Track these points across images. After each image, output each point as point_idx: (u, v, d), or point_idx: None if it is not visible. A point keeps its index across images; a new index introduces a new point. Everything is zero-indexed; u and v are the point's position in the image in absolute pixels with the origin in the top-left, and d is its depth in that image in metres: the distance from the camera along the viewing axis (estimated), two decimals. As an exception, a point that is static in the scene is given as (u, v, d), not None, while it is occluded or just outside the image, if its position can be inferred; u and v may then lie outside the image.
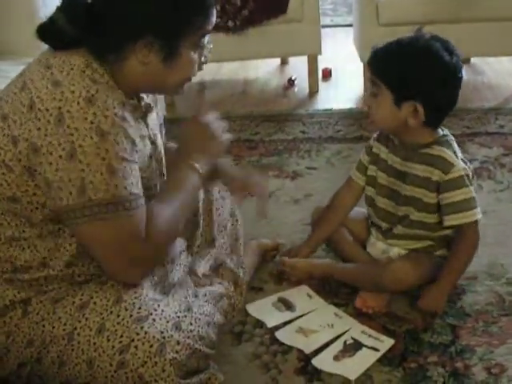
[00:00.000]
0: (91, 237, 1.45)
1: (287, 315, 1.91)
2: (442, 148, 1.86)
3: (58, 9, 1.49)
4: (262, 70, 4.27)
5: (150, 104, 1.64)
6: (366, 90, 1.88)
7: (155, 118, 1.72)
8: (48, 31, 1.49)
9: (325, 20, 4.91)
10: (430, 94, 1.80)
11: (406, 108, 1.81)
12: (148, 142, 1.61)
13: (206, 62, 1.61)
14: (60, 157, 1.37)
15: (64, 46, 1.48)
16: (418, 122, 1.83)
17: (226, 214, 2.02)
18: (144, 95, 1.63)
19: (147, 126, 1.63)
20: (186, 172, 1.65)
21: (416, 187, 1.89)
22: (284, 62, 4.37)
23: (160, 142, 1.73)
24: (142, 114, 1.60)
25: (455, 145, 1.91)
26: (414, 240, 1.96)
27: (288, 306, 1.95)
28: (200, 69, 1.60)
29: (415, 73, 1.78)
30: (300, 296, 1.99)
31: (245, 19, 3.50)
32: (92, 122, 1.37)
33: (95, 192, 1.39)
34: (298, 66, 4.10)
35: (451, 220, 1.86)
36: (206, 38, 1.57)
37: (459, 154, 1.89)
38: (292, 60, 4.34)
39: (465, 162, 1.89)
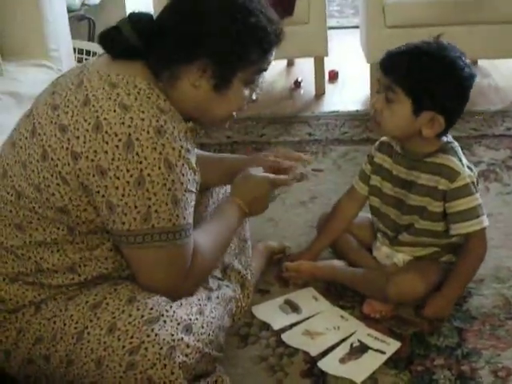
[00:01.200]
0: (143, 261, 1.49)
1: (293, 317, 1.91)
2: (447, 156, 1.84)
3: (125, 19, 1.51)
4: (269, 71, 4.21)
5: (198, 127, 1.66)
6: (373, 91, 1.83)
7: None
8: (111, 38, 1.51)
9: (331, 22, 4.90)
10: (452, 106, 1.79)
11: (423, 117, 1.78)
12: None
13: (255, 101, 1.63)
14: (127, 182, 1.40)
15: (122, 55, 1.50)
16: (433, 132, 1.80)
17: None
18: None
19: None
20: (232, 209, 1.75)
21: (421, 196, 1.88)
22: (290, 64, 4.36)
23: None
24: (195, 136, 1.61)
25: (460, 151, 1.89)
26: (419, 247, 1.95)
27: (294, 308, 1.95)
28: (243, 109, 1.62)
29: (441, 85, 1.75)
30: (306, 298, 1.99)
31: (251, 21, 3.49)
32: (161, 153, 1.40)
33: (158, 221, 1.43)
34: (305, 68, 4.10)
35: (458, 229, 1.84)
36: (261, 76, 1.59)
37: (464, 161, 1.87)
38: (298, 62, 4.34)
39: (470, 169, 1.87)
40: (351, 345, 1.78)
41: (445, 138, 1.88)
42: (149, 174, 1.40)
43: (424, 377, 1.67)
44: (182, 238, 1.48)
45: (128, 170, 1.39)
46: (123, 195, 1.41)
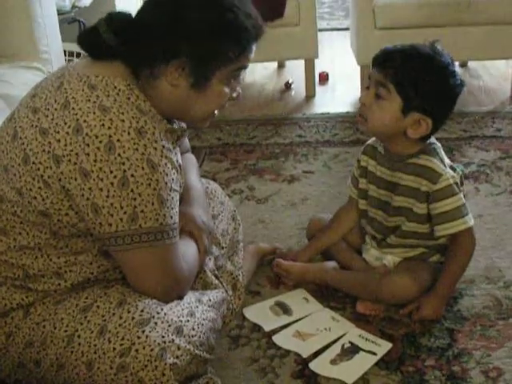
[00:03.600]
0: (134, 263, 1.48)
1: (284, 319, 1.91)
2: (428, 157, 1.84)
3: (103, 19, 1.51)
4: (259, 73, 4.27)
5: (184, 128, 1.66)
6: (363, 87, 1.82)
7: None
8: (89, 40, 1.51)
9: (322, 24, 4.92)
10: (440, 110, 1.80)
11: (411, 118, 1.79)
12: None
13: (237, 98, 1.61)
14: (111, 184, 1.39)
15: (102, 55, 1.50)
16: (418, 134, 1.81)
17: (227, 218, 2.01)
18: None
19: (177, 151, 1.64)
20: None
21: (406, 197, 1.88)
22: (281, 66, 4.37)
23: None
24: (177, 138, 1.60)
25: (442, 152, 1.89)
26: (407, 248, 1.96)
27: (285, 309, 1.95)
28: (224, 106, 1.60)
29: (433, 88, 1.77)
30: (297, 300, 1.99)
31: (242, 23, 3.49)
32: (143, 154, 1.40)
33: (146, 220, 1.43)
34: (295, 70, 4.11)
35: (442, 230, 1.85)
36: (242, 73, 1.57)
37: (447, 161, 1.87)
38: (289, 64, 4.34)
39: (453, 169, 1.87)
40: (342, 346, 1.79)
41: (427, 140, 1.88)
42: (132, 175, 1.39)
43: (415, 377, 1.67)
44: (171, 238, 1.47)
45: (111, 172, 1.39)
46: (108, 196, 1.40)
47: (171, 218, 1.47)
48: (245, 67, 1.56)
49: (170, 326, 1.45)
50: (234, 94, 1.59)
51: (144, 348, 1.40)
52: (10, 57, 2.70)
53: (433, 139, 1.89)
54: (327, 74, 4.07)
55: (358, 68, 3.63)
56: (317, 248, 2.13)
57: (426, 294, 1.87)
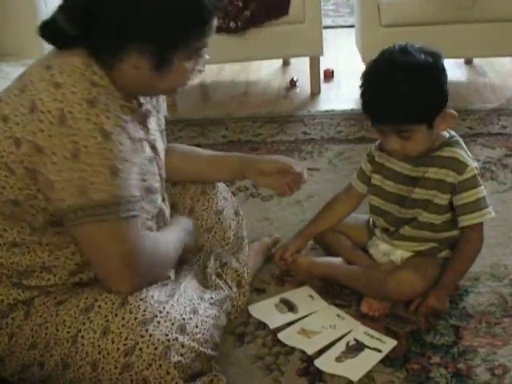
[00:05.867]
0: (91, 238, 1.44)
1: (289, 316, 1.91)
2: (453, 149, 1.85)
3: (59, 8, 1.49)
4: (264, 71, 4.27)
5: (149, 110, 1.65)
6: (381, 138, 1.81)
7: (155, 124, 1.73)
8: (49, 29, 1.49)
9: (326, 21, 4.92)
10: (446, 95, 1.80)
11: (437, 122, 1.79)
12: (147, 146, 1.62)
13: (200, 72, 1.59)
14: (64, 157, 1.37)
15: (65, 45, 1.48)
16: (448, 125, 1.83)
17: (230, 214, 2.01)
18: (143, 100, 1.63)
19: (148, 130, 1.64)
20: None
21: (428, 190, 1.88)
22: (286, 63, 4.37)
23: (161, 146, 1.74)
24: (141, 118, 1.60)
25: (464, 145, 1.90)
26: (418, 242, 1.95)
27: (290, 307, 1.95)
28: (193, 78, 1.59)
29: (434, 92, 1.76)
30: (302, 297, 1.99)
31: (247, 20, 3.50)
32: (95, 123, 1.38)
33: (97, 192, 1.39)
34: (300, 68, 4.11)
35: (467, 220, 1.85)
36: (204, 49, 1.55)
37: (469, 153, 1.89)
38: (294, 61, 4.34)
39: (474, 160, 1.88)
40: (347, 343, 1.78)
41: (447, 134, 1.89)
42: (85, 146, 1.37)
43: (420, 375, 1.66)
44: (128, 211, 1.43)
45: (63, 144, 1.36)
46: (60, 170, 1.37)
47: (127, 189, 1.42)
48: (205, 45, 1.53)
49: (173, 324, 1.45)
50: (200, 68, 1.57)
51: (148, 347, 1.40)
52: (15, 55, 2.71)
53: (453, 132, 1.91)
54: (332, 72, 4.07)
55: (363, 65, 3.62)
56: (307, 236, 2.11)
57: (431, 288, 1.87)
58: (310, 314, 1.92)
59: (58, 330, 1.48)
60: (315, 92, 3.82)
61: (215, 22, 1.51)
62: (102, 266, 1.47)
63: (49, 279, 1.53)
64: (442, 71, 1.78)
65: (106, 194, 1.39)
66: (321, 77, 3.89)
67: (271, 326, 1.87)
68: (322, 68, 3.91)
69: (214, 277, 1.80)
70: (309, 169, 2.83)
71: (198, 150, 2.02)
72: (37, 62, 1.50)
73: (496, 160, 2.80)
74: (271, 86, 4.00)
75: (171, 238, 1.68)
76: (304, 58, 3.86)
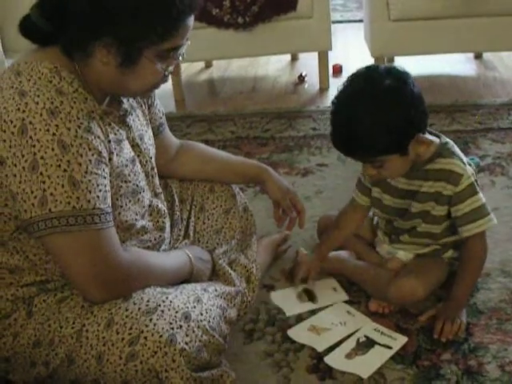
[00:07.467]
0: (56, 248, 1.43)
1: (306, 306, 1.93)
2: (447, 160, 1.79)
3: (35, 4, 1.48)
4: (272, 66, 4.26)
5: (126, 109, 1.62)
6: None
7: (142, 118, 1.72)
8: (25, 26, 1.49)
9: (335, 16, 4.90)
10: (420, 118, 1.73)
11: (412, 147, 1.73)
12: (127, 146, 1.60)
13: (169, 74, 1.55)
14: (23, 168, 1.37)
15: (43, 41, 1.48)
16: (426, 146, 1.75)
17: (239, 211, 2.01)
18: (124, 99, 1.62)
19: (129, 128, 1.62)
20: (183, 256, 1.72)
21: (425, 202, 1.84)
22: (294, 59, 4.36)
23: (147, 141, 1.72)
24: (119, 118, 1.59)
25: (457, 150, 1.84)
26: (420, 246, 1.94)
27: (310, 297, 1.97)
28: (164, 81, 1.56)
29: (401, 123, 1.68)
30: (325, 289, 2.00)
31: (255, 15, 3.49)
32: (54, 134, 1.37)
33: (55, 204, 1.38)
34: (309, 63, 4.09)
35: (468, 231, 1.80)
36: (179, 51, 1.51)
37: (464, 159, 1.83)
38: (302, 56, 4.33)
39: (469, 164, 1.84)
40: (358, 340, 1.78)
41: (438, 140, 1.83)
42: (42, 157, 1.36)
43: (431, 371, 1.66)
44: (92, 224, 1.41)
45: (23, 156, 1.36)
46: (20, 182, 1.37)
47: (89, 202, 1.40)
48: (179, 45, 1.49)
49: (177, 312, 1.45)
50: (166, 73, 1.53)
51: (153, 335, 1.40)
52: (22, 51, 2.70)
53: (444, 138, 1.85)
54: (341, 67, 4.06)
55: (372, 60, 3.61)
56: (319, 258, 2.05)
57: (443, 305, 1.84)
58: (328, 306, 1.93)
59: (61, 327, 1.48)
60: (324, 87, 3.81)
61: (190, 23, 1.48)
62: (69, 275, 1.47)
63: (42, 275, 1.54)
64: (409, 97, 1.69)
65: (64, 206, 1.38)
66: (329, 72, 3.88)
67: (287, 314, 1.89)
68: (331, 63, 3.90)
69: (227, 268, 1.79)
70: (318, 165, 2.82)
71: (216, 153, 2.06)
72: (10, 66, 1.49)
73: (506, 155, 2.78)
74: (279, 82, 3.99)
75: (168, 258, 1.68)
76: (312, 53, 3.85)
